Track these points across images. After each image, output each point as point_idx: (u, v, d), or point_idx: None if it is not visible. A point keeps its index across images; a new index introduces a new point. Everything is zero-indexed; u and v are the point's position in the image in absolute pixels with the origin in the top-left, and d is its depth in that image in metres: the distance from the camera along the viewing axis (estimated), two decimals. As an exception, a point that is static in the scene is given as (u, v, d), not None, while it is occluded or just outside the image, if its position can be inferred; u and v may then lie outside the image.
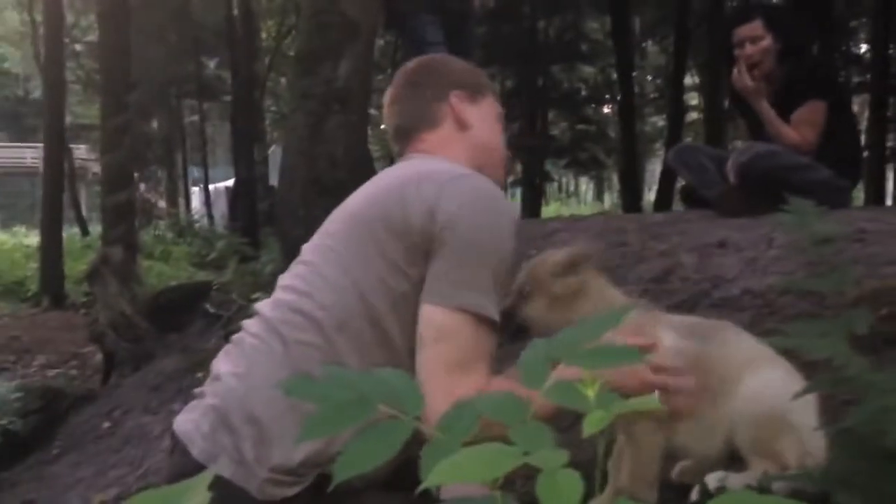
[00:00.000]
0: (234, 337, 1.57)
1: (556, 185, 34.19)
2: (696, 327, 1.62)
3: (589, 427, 0.76)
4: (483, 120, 1.69)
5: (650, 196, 19.72)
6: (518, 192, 22.71)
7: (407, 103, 1.70)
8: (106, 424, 3.69)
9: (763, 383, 1.47)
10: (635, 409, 0.76)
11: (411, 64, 1.78)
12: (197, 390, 1.56)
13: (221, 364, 1.53)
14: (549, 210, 23.64)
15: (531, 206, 17.30)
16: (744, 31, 3.71)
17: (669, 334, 1.54)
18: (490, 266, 1.40)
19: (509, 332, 1.65)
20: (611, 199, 32.35)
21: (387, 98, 1.75)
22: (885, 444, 1.09)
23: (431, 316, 1.39)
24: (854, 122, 4.19)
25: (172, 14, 14.42)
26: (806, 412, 1.45)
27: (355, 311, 1.43)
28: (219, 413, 1.43)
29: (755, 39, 3.67)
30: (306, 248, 1.61)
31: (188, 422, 1.49)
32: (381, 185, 1.56)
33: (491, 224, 1.42)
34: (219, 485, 1.35)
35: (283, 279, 1.60)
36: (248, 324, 1.57)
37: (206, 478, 0.57)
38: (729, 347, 1.55)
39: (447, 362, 1.36)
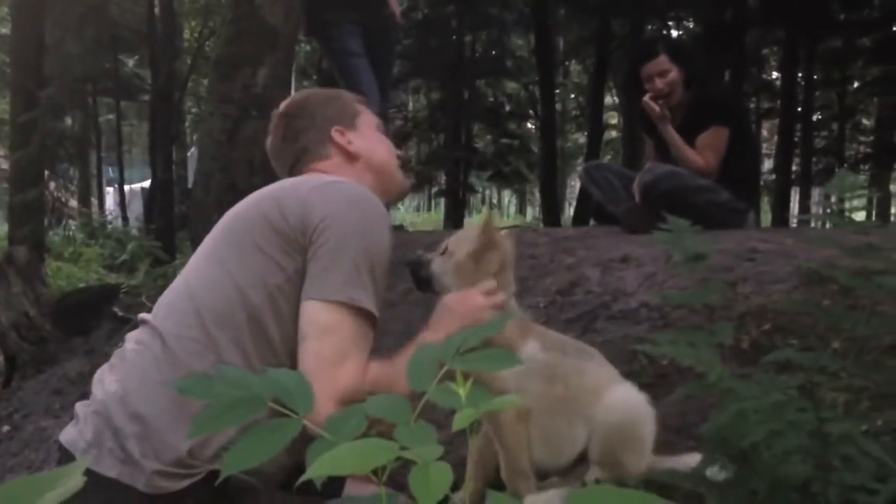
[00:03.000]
0: (117, 350, 1.59)
1: (479, 197, 34.54)
2: (563, 343, 1.75)
3: (459, 423, 0.82)
4: (365, 140, 1.80)
5: (571, 210, 20.14)
6: (442, 202, 22.88)
7: (292, 147, 1.79)
8: (5, 428, 3.58)
9: (623, 396, 1.63)
10: (499, 407, 0.83)
11: (283, 108, 1.86)
12: (79, 403, 1.55)
13: (105, 375, 1.54)
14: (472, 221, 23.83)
15: (455, 217, 17.46)
16: (651, 67, 3.89)
17: (534, 343, 1.65)
18: (365, 262, 1.47)
19: (416, 275, 1.81)
20: (533, 213, 32.85)
21: (270, 146, 1.84)
22: (741, 446, 1.19)
23: (312, 312, 1.44)
24: (754, 148, 4.42)
25: (90, 9, 14.01)
26: (651, 431, 1.62)
27: (234, 304, 1.47)
28: (101, 417, 1.45)
29: (663, 73, 3.86)
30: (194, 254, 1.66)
31: (73, 432, 1.49)
32: (263, 191, 1.63)
33: (364, 223, 1.50)
34: (106, 486, 1.36)
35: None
36: (131, 335, 1.59)
37: (81, 465, 0.60)
38: (589, 368, 1.69)
39: (328, 355, 1.41)
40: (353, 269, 1.45)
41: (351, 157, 1.77)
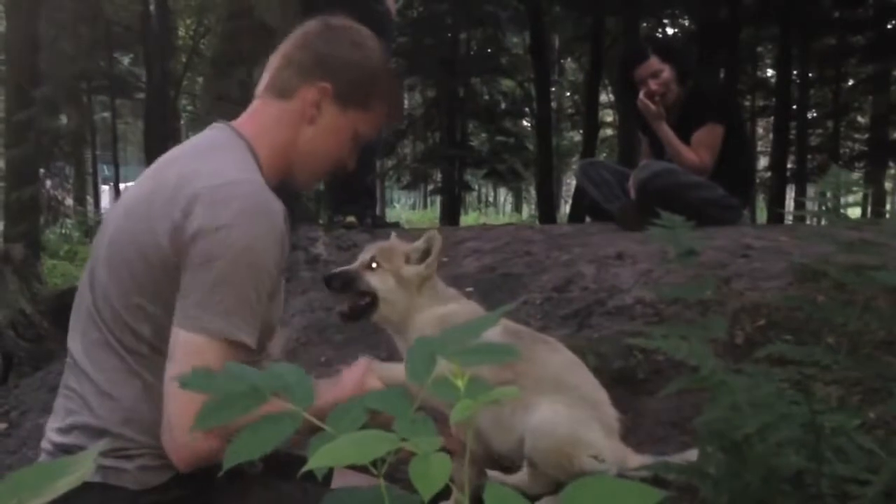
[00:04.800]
0: (59, 392, 1.54)
1: (475, 194, 34.58)
2: (521, 333, 1.80)
3: (456, 415, 0.83)
4: (334, 129, 1.56)
5: (567, 208, 20.16)
6: (437, 200, 22.89)
7: (282, 61, 1.56)
8: (2, 426, 3.58)
9: (550, 417, 1.63)
10: (499, 398, 0.84)
11: (318, 25, 1.58)
12: (44, 440, 1.52)
13: (53, 422, 1.50)
14: (468, 219, 23.89)
15: (450, 215, 17.50)
16: (643, 70, 3.90)
17: (494, 330, 1.67)
18: (236, 284, 1.34)
19: (346, 291, 1.79)
20: (528, 210, 32.88)
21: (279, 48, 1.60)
22: (735, 438, 1.21)
23: (177, 337, 1.34)
24: (747, 145, 4.42)
25: (85, 7, 13.99)
26: (593, 428, 1.63)
27: (133, 336, 1.41)
28: (66, 449, 1.44)
29: (655, 74, 3.87)
30: (93, 265, 1.51)
31: (50, 459, 1.47)
32: (140, 195, 1.46)
33: (236, 241, 1.33)
34: (96, 490, 1.36)
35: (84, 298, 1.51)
36: (65, 377, 1.52)
37: (91, 454, 0.62)
38: (541, 358, 1.73)
39: None
40: (218, 295, 1.32)
41: (308, 119, 1.53)
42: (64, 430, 1.45)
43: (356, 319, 1.80)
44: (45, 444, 1.50)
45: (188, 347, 1.32)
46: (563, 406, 1.64)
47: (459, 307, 1.79)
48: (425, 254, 1.78)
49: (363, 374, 1.52)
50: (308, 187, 1.65)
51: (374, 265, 1.78)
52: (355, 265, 1.80)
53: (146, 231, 1.37)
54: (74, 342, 1.49)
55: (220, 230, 1.32)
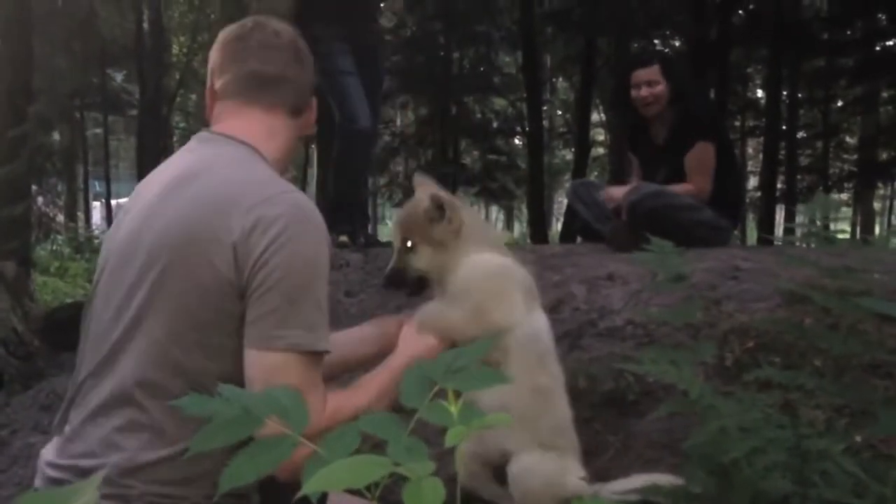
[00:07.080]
0: (63, 429, 1.49)
1: (466, 212, 34.51)
2: None
3: (451, 439, 0.85)
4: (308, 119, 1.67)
5: (559, 226, 20.20)
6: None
7: (292, 71, 1.59)
8: (-8, 445, 3.57)
9: (529, 466, 1.60)
10: (491, 424, 0.86)
11: (300, 43, 1.63)
12: (41, 462, 1.48)
13: (49, 455, 1.47)
14: (458, 237, 23.75)
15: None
16: (642, 74, 3.95)
17: (541, 316, 1.74)
18: (310, 294, 1.35)
19: (407, 289, 1.73)
20: (520, 228, 32.90)
21: (264, 47, 1.58)
22: (723, 462, 1.23)
23: (258, 360, 1.33)
24: (736, 166, 4.47)
25: (79, 24, 14.04)
26: (576, 470, 1.62)
27: (165, 371, 1.36)
28: (60, 482, 1.40)
29: (651, 83, 3.92)
30: (108, 287, 1.46)
31: (44, 484, 1.45)
32: (186, 217, 1.40)
33: (302, 252, 1.36)
34: None
35: (95, 328, 1.46)
36: (67, 411, 1.48)
37: (94, 481, 0.63)
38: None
39: None
40: (295, 309, 1.34)
41: (299, 128, 1.64)
42: (60, 468, 1.41)
43: (420, 293, 1.74)
44: (38, 473, 1.47)
45: (274, 368, 1.32)
46: (536, 457, 1.61)
47: (495, 258, 1.70)
48: (440, 209, 1.66)
49: (416, 339, 1.61)
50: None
51: (408, 244, 1.70)
52: (395, 257, 1.72)
53: (200, 262, 1.35)
54: (94, 387, 1.42)
55: (285, 247, 1.34)
